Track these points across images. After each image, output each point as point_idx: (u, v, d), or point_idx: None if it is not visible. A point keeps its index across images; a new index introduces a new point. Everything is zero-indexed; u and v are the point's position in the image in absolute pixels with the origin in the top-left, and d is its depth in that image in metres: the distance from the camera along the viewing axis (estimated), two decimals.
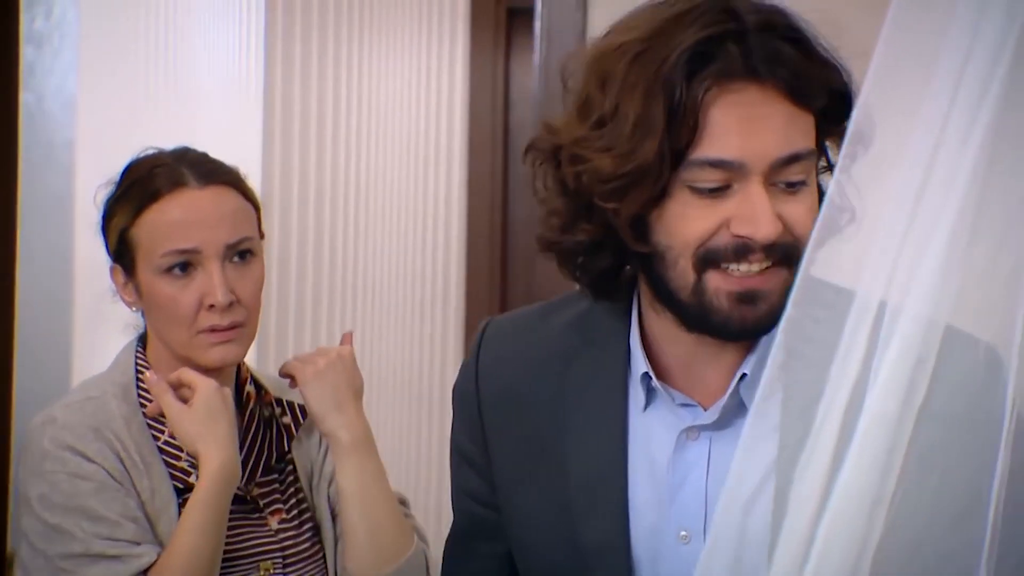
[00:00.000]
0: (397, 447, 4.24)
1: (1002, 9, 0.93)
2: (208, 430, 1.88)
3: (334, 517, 2.02)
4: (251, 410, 2.03)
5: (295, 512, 2.03)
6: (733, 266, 1.33)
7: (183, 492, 1.90)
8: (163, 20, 3.58)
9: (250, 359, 3.07)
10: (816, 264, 1.00)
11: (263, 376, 2.14)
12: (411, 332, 4.33)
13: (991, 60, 0.94)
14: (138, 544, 1.84)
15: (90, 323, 3.69)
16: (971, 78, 0.95)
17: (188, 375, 1.92)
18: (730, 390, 1.41)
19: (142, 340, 2.02)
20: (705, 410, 1.44)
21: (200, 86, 3.57)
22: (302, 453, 2.07)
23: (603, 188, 1.33)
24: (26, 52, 3.41)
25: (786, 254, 1.32)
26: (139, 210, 1.92)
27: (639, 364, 1.46)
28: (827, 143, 1.39)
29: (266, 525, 1.98)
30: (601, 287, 1.46)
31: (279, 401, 2.08)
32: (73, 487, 1.85)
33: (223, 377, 2.00)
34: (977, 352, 0.99)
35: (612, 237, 1.39)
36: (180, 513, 1.88)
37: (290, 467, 2.06)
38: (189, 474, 1.91)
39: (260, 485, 2.01)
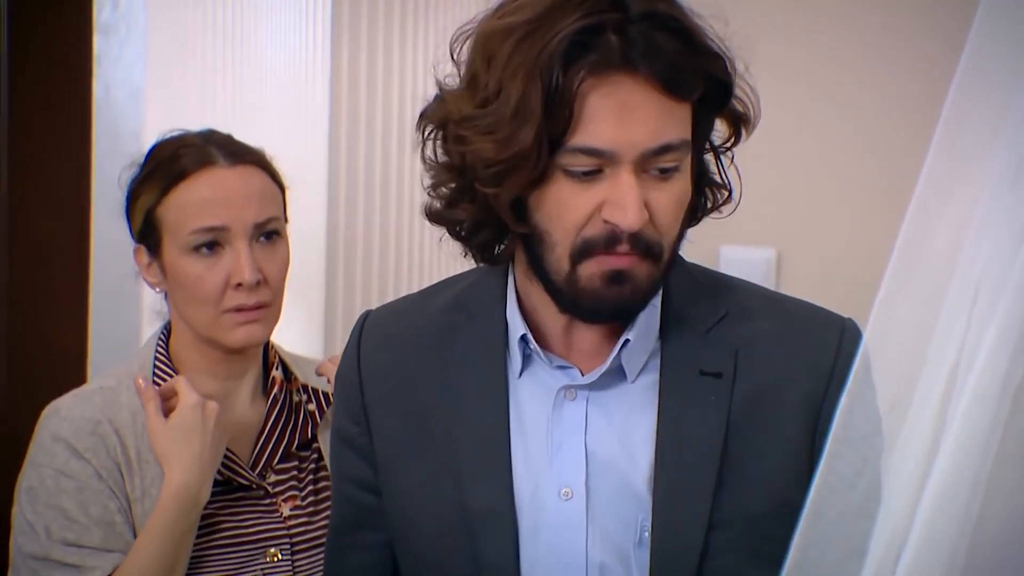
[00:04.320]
0: None
1: None
2: (175, 450, 1.84)
3: None
4: (274, 395, 2.02)
5: (311, 499, 2.01)
6: (604, 256, 1.39)
7: None
8: (230, 10, 3.59)
9: (312, 347, 3.04)
10: (911, 244, 1.00)
11: (295, 361, 2.13)
12: None
13: None
14: (106, 551, 1.82)
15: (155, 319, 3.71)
16: None
17: (179, 385, 1.90)
18: (612, 356, 1.47)
19: (167, 329, 2.01)
20: (583, 374, 1.49)
21: (268, 76, 3.59)
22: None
23: (484, 172, 1.39)
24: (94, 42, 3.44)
25: (648, 249, 1.39)
26: (166, 189, 1.93)
27: (517, 328, 1.51)
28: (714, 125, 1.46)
29: (276, 512, 1.97)
30: (486, 255, 1.52)
31: (305, 388, 2.08)
32: (56, 484, 1.84)
33: (248, 360, 2.00)
34: None
35: (492, 217, 1.44)
36: None
37: (315, 454, 2.05)
38: None
39: (277, 472, 2.00)
